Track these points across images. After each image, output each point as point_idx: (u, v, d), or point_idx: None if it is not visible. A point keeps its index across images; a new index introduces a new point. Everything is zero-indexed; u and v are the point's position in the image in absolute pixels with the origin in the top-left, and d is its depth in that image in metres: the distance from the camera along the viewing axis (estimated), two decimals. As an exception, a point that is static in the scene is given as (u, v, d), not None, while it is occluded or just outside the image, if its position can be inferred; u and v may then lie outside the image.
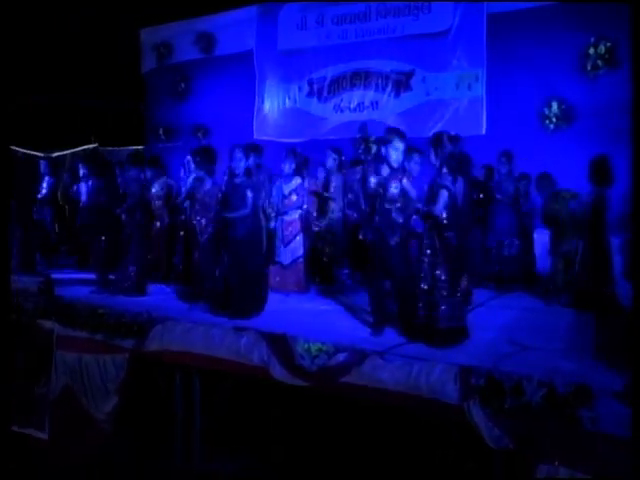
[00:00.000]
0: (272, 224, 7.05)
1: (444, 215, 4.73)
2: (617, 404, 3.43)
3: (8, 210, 6.37)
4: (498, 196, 7.22)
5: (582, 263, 6.09)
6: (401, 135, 5.22)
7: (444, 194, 4.74)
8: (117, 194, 7.04)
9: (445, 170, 4.82)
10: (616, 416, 3.35)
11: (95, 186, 7.49)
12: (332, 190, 7.78)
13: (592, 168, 6.07)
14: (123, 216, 6.86)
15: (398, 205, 5.12)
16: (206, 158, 6.65)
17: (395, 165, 5.17)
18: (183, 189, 7.20)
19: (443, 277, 4.66)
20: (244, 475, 5.12)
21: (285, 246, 7.01)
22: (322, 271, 7.69)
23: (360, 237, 5.33)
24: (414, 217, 5.23)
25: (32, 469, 4.94)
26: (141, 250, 6.96)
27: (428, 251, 4.76)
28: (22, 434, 5.72)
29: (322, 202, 7.79)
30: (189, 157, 7.08)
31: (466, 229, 5.71)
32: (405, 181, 5.15)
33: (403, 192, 5.12)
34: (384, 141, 5.32)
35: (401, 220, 5.15)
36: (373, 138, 9.53)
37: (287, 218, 7.03)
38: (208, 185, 6.54)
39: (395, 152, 5.13)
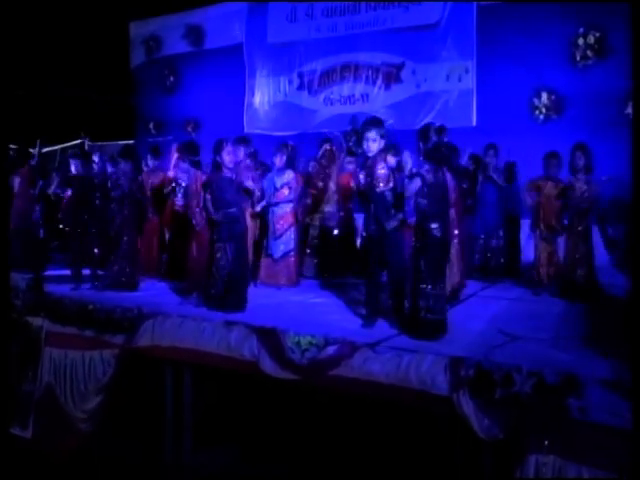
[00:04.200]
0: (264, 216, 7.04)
1: (423, 202, 4.70)
2: (606, 393, 3.43)
3: (7, 208, 6.32)
4: (485, 187, 7.23)
5: (570, 253, 6.09)
6: (376, 123, 5.13)
7: (417, 181, 4.72)
8: (105, 188, 6.97)
9: (422, 159, 4.81)
10: (606, 405, 3.36)
11: (85, 181, 7.41)
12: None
13: (573, 156, 6.07)
14: (113, 209, 6.80)
15: (391, 185, 5.01)
16: (190, 151, 6.63)
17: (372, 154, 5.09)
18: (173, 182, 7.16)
19: (423, 268, 4.65)
20: (234, 470, 5.12)
21: (276, 239, 6.99)
22: (317, 264, 7.70)
23: (363, 234, 5.22)
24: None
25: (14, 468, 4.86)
26: (133, 244, 6.92)
27: (412, 241, 4.76)
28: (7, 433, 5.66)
29: (315, 195, 7.79)
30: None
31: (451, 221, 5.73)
32: (390, 157, 5.01)
33: (392, 170, 5.00)
34: (360, 133, 5.32)
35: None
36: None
37: (278, 211, 7.01)
38: (193, 177, 6.52)
39: (367, 142, 5.06)
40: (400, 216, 4.99)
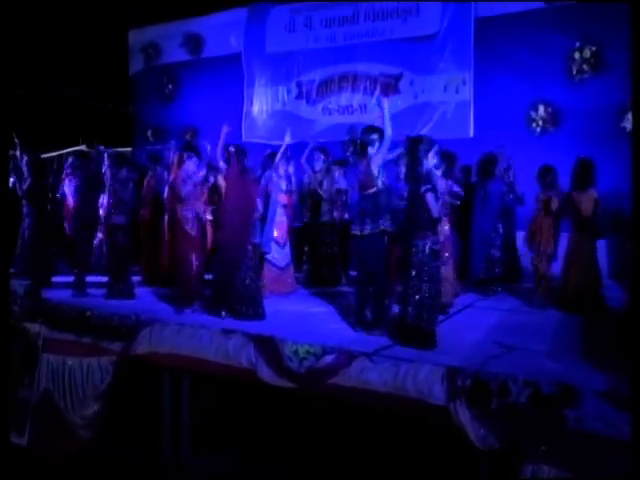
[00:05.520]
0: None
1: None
2: (602, 403, 3.47)
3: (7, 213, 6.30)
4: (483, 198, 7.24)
5: (569, 264, 6.10)
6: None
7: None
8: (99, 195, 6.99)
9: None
10: (601, 415, 3.39)
11: (81, 189, 7.39)
12: (323, 190, 7.80)
13: (576, 172, 6.07)
14: (116, 219, 6.79)
15: (371, 191, 5.13)
16: (193, 149, 6.68)
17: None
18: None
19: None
20: (232, 476, 5.12)
21: (282, 248, 7.02)
22: (316, 272, 7.72)
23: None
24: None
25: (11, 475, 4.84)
26: (130, 252, 6.91)
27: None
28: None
29: (314, 203, 7.83)
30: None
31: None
32: (370, 163, 5.17)
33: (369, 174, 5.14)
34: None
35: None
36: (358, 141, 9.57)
37: (278, 219, 7.02)
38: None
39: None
40: (381, 223, 5.06)
